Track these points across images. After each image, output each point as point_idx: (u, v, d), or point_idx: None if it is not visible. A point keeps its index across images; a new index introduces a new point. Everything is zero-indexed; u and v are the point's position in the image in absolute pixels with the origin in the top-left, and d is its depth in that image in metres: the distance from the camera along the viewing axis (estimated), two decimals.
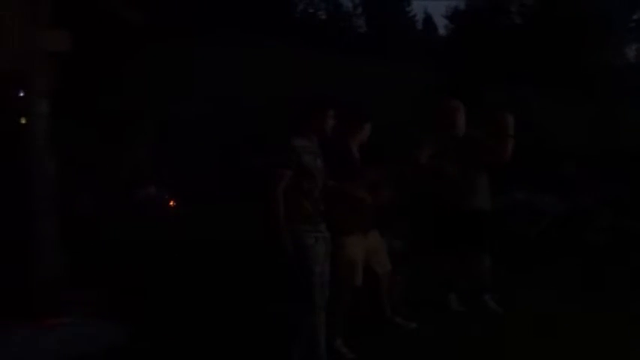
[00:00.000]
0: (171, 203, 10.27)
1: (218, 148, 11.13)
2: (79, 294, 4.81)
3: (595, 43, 10.49)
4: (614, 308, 4.54)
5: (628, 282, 5.22)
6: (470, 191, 4.46)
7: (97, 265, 5.62)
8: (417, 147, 4.52)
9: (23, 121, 4.27)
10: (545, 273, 5.41)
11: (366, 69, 21.27)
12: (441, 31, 21.48)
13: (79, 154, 8.77)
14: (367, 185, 3.87)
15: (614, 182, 7.11)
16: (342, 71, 20.08)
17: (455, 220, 4.43)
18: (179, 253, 6.49)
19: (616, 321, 4.28)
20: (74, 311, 4.49)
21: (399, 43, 32.33)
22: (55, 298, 4.45)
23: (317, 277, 3.37)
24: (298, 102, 3.59)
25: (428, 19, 37.92)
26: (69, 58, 4.41)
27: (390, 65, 22.93)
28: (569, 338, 3.98)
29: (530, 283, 5.13)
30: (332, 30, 35.01)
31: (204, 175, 10.46)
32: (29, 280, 4.37)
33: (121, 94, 8.97)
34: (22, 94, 4.22)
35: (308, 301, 3.36)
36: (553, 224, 6.48)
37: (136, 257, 6.21)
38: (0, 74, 4.14)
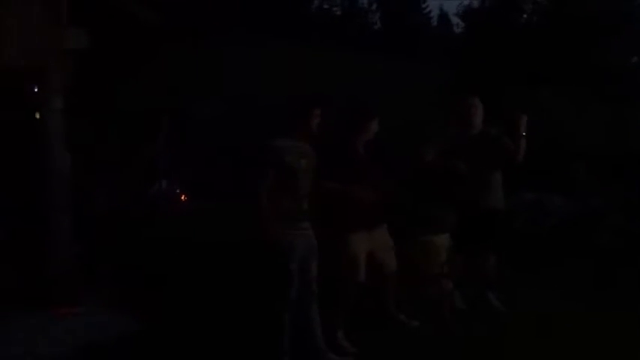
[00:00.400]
0: (183, 198, 10.35)
1: (232, 146, 11.19)
2: (93, 285, 4.94)
3: (610, 42, 10.39)
4: (620, 309, 4.52)
5: (636, 283, 5.22)
6: (482, 190, 4.44)
7: (110, 258, 5.72)
8: (424, 144, 4.53)
9: (37, 116, 4.37)
10: (551, 273, 5.40)
11: (381, 66, 21.26)
12: (455, 28, 21.33)
13: (95, 150, 8.90)
14: (371, 184, 3.89)
15: (625, 184, 7.06)
16: (356, 68, 20.09)
17: (467, 218, 4.39)
18: (188, 248, 6.55)
19: (622, 322, 4.26)
20: (86, 301, 4.61)
21: (414, 41, 32.21)
22: (68, 288, 4.57)
23: (294, 275, 3.45)
24: (285, 102, 3.66)
25: (443, 16, 37.72)
26: (86, 56, 4.51)
27: (404, 62, 22.91)
28: (573, 339, 3.98)
29: (536, 283, 5.11)
30: (347, 26, 34.95)
31: (216, 172, 10.53)
32: (43, 271, 4.49)
33: (138, 93, 9.05)
34: (36, 90, 4.32)
35: (284, 298, 3.45)
36: (562, 225, 6.45)
37: (147, 250, 6.28)
38: (16, 70, 4.23)
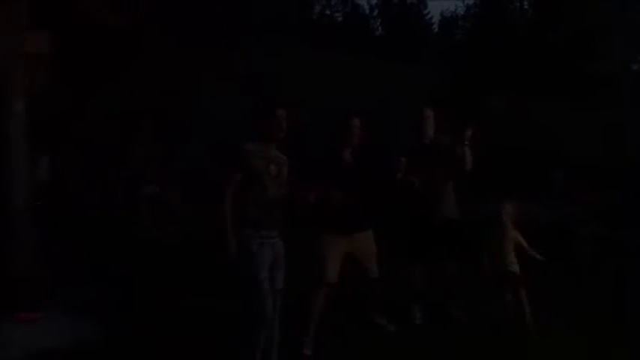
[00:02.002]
0: (174, 202, 10.33)
1: (222, 148, 11.11)
2: (64, 289, 4.92)
3: (594, 52, 10.35)
4: (594, 318, 4.52)
5: (610, 291, 5.19)
6: (436, 201, 4.49)
7: (90, 261, 5.71)
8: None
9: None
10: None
11: (381, 71, 21.26)
12: (449, 34, 21.39)
13: (84, 153, 8.92)
14: (354, 189, 3.84)
15: (602, 192, 7.06)
16: (358, 73, 20.10)
17: (423, 230, 4.45)
18: (172, 252, 6.52)
19: (595, 332, 4.25)
20: (51, 306, 4.58)
21: (415, 46, 32.16)
22: (30, 292, 4.54)
23: (265, 284, 3.36)
24: (254, 107, 3.64)
25: (445, 22, 37.63)
26: (58, 60, 4.51)
27: (405, 67, 22.88)
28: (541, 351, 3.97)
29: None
30: (348, 31, 34.96)
31: (206, 175, 10.50)
32: (5, 274, 4.47)
33: (124, 95, 9.06)
34: None
35: (256, 307, 3.35)
36: (538, 233, 6.44)
37: (128, 255, 6.25)
38: None
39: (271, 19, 28.50)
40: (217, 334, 4.06)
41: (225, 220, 3.32)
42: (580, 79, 10.00)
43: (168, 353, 3.96)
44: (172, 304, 4.87)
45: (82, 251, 6.03)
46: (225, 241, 3.32)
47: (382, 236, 4.25)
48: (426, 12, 37.21)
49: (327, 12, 38.47)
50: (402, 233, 4.60)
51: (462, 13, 11.17)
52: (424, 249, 4.45)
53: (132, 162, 10.09)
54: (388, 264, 4.38)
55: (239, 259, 3.34)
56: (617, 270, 5.75)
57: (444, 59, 15.18)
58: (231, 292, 4.20)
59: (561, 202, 6.82)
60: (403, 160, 4.17)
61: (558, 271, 5.68)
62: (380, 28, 37.97)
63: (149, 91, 8.40)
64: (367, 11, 38.37)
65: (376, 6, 37.81)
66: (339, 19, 38.63)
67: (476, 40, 11.12)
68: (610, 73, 10.25)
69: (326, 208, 3.83)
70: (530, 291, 4.99)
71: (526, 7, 11.11)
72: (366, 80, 19.00)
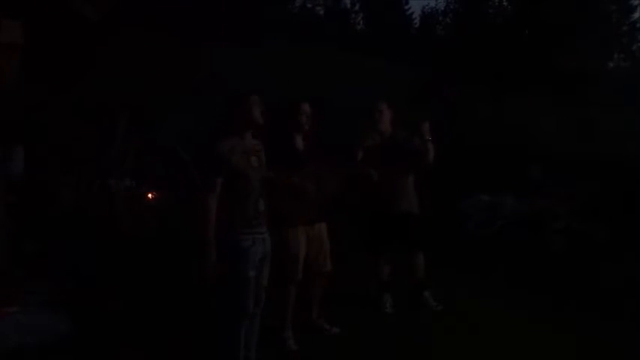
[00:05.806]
0: (150, 197, 10.21)
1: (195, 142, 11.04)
2: (36, 284, 4.84)
3: (571, 47, 10.45)
4: (552, 312, 4.63)
5: (580, 285, 5.28)
6: (394, 195, 4.54)
7: (62, 256, 5.62)
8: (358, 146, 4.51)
9: None
10: (495, 273, 5.48)
11: (362, 66, 21.27)
12: (431, 30, 21.43)
13: (55, 146, 8.77)
14: (309, 176, 3.81)
15: (578, 186, 7.17)
16: (338, 68, 20.10)
17: (384, 222, 4.52)
18: (148, 247, 6.45)
19: (548, 324, 4.35)
20: (23, 301, 4.50)
21: (396, 41, 32.24)
22: (4, 287, 4.47)
23: (252, 282, 3.28)
24: (222, 99, 3.47)
25: (426, 17, 37.74)
26: (41, 50, 4.42)
27: (385, 62, 22.94)
28: (497, 339, 4.04)
29: (475, 283, 5.20)
30: (329, 26, 34.91)
31: (182, 169, 10.41)
32: None
33: (99, 88, 8.94)
34: None
35: (239, 306, 3.29)
36: (510, 226, 6.55)
37: (101, 249, 6.17)
38: None
39: (251, 14, 28.41)
40: (195, 330, 4.03)
41: (209, 228, 3.19)
42: (557, 76, 10.09)
43: (143, 349, 3.91)
44: (148, 299, 4.83)
45: (56, 246, 5.94)
46: (207, 250, 3.20)
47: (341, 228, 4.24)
48: (407, 7, 37.37)
49: (309, 5, 38.36)
50: (363, 226, 4.64)
51: (441, 8, 11.18)
52: (384, 242, 4.52)
53: (107, 157, 9.97)
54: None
55: (228, 256, 3.22)
56: (587, 263, 5.86)
57: (425, 55, 15.21)
58: (209, 287, 4.27)
59: (538, 196, 6.91)
60: (360, 151, 4.13)
61: (529, 263, 5.80)
62: (361, 22, 38.00)
63: (125, 84, 8.31)
64: (348, 6, 38.37)
65: (358, 0, 37.83)
66: (320, 12, 38.55)
67: (454, 36, 11.17)
68: (587, 69, 10.37)
69: (289, 197, 3.78)
70: (495, 283, 5.14)
71: (504, 3, 11.21)
72: (347, 75, 19.06)
